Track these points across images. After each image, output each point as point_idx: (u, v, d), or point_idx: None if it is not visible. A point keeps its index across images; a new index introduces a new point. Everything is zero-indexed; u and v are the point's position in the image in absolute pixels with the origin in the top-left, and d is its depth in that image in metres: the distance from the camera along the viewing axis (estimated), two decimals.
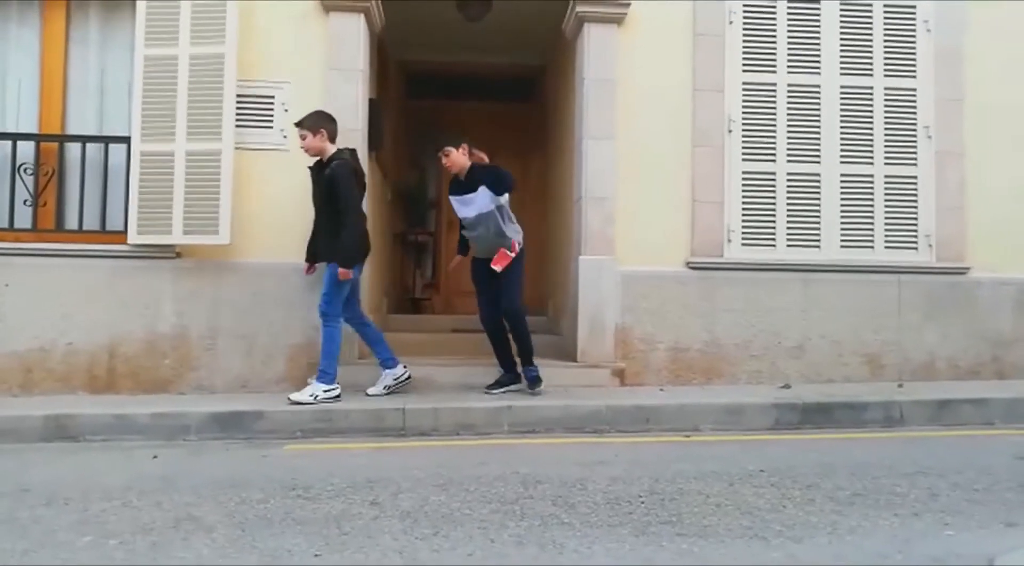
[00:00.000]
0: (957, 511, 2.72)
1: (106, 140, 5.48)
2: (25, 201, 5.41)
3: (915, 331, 5.76)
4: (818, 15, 5.78)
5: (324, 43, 5.51)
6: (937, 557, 2.29)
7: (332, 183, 4.74)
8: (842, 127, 5.77)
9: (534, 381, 4.99)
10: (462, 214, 4.98)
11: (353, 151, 5.03)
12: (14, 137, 5.43)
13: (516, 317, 4.95)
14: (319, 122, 4.86)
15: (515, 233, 4.96)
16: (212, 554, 2.35)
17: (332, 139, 4.91)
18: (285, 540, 2.46)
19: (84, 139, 5.47)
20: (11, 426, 4.32)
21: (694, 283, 5.65)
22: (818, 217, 5.75)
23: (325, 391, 4.66)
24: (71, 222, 5.45)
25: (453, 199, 5.03)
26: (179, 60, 5.25)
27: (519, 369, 5.08)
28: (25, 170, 5.41)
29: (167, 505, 2.87)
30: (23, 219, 5.40)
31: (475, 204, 4.88)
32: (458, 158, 4.98)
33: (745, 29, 5.78)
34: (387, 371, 5.00)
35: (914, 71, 5.84)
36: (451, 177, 5.13)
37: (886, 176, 5.79)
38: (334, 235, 4.74)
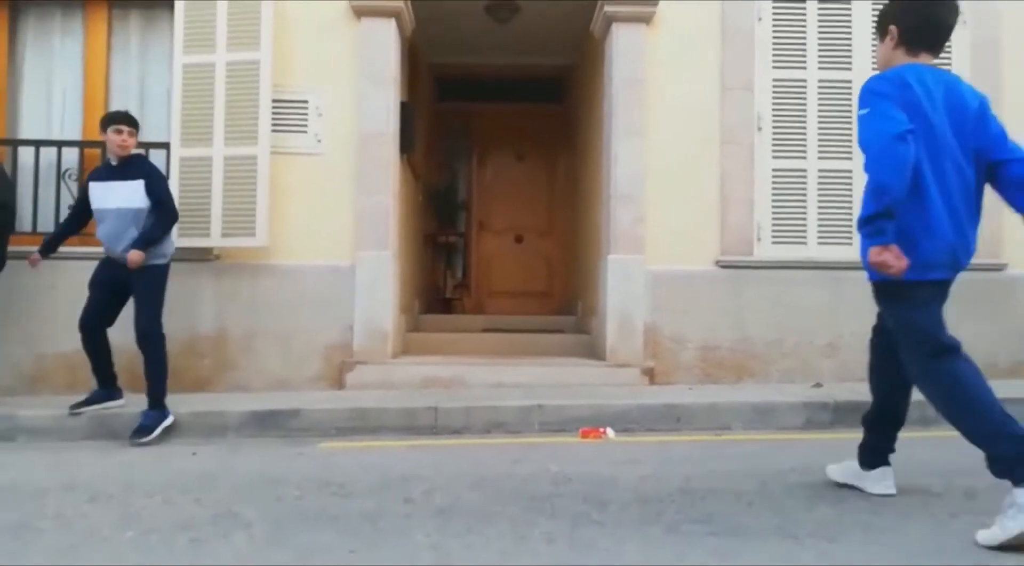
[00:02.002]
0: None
1: (146, 146, 5.60)
2: (70, 206, 5.56)
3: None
4: (849, 9, 5.72)
5: (356, 47, 5.59)
6: (975, 559, 2.26)
7: None
8: None
9: (141, 430, 4.24)
10: (104, 204, 4.48)
11: None
12: (59, 144, 5.60)
13: (154, 341, 4.45)
14: None
15: (170, 245, 4.58)
16: (250, 550, 2.41)
17: None
18: (320, 536, 2.51)
19: None
20: (57, 425, 4.46)
21: (724, 282, 5.63)
22: (850, 214, 5.68)
23: None
24: None
25: (98, 185, 4.50)
26: (216, 67, 5.37)
27: (118, 385, 4.68)
28: (69, 176, 5.58)
29: (206, 502, 2.94)
30: None
31: (123, 195, 4.46)
32: (132, 141, 4.54)
33: (775, 25, 5.73)
34: None
35: (950, 65, 5.74)
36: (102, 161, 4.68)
37: None
38: None
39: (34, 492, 3.13)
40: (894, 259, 2.46)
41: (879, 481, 2.95)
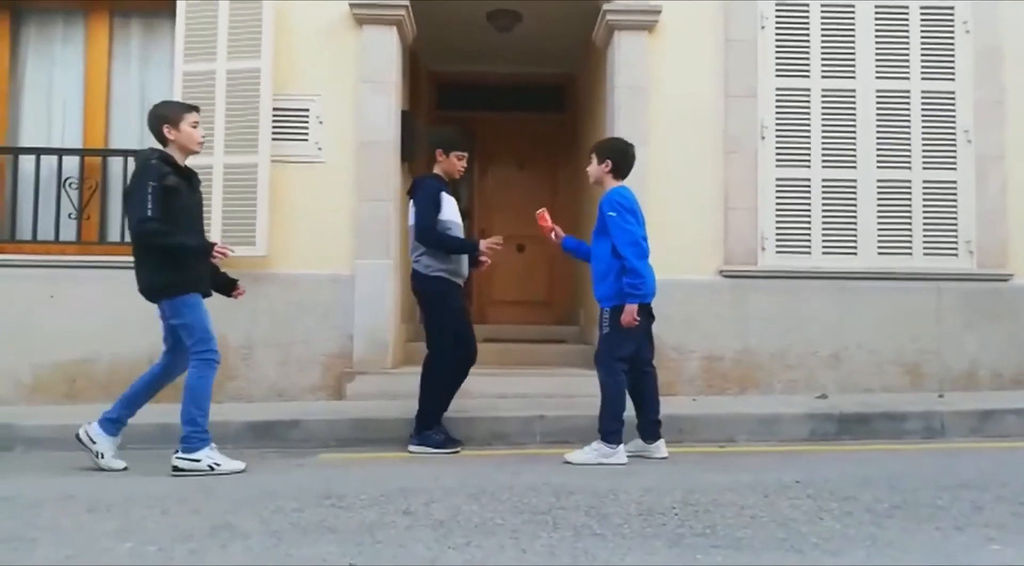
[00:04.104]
0: (1002, 525, 2.63)
1: None
2: (70, 214, 5.57)
3: (956, 340, 5.63)
4: (853, 18, 5.71)
5: (357, 55, 5.59)
6: None
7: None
8: (878, 132, 5.68)
9: (445, 442, 4.24)
10: (458, 219, 4.45)
11: None
12: (60, 152, 5.60)
13: (426, 366, 4.28)
14: None
15: (424, 267, 4.29)
16: (248, 562, 2.37)
17: None
18: (319, 548, 2.48)
19: (126, 153, 5.61)
20: (56, 435, 4.43)
21: (727, 291, 5.59)
22: (854, 223, 5.66)
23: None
24: (114, 235, 5.60)
25: (450, 199, 4.41)
26: (216, 75, 5.37)
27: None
28: (70, 184, 5.57)
29: (205, 513, 2.91)
30: (68, 232, 5.56)
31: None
32: None
33: (778, 34, 5.73)
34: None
35: (953, 74, 5.73)
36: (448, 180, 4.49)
37: (924, 181, 5.69)
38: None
39: (31, 502, 3.10)
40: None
41: (659, 449, 4.03)
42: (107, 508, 3.00)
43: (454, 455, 4.21)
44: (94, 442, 3.89)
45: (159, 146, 3.84)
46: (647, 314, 4.07)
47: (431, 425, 4.25)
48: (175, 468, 3.72)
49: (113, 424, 3.95)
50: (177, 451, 3.77)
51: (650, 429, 4.05)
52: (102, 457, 3.87)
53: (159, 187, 3.66)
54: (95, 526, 2.76)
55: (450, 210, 4.34)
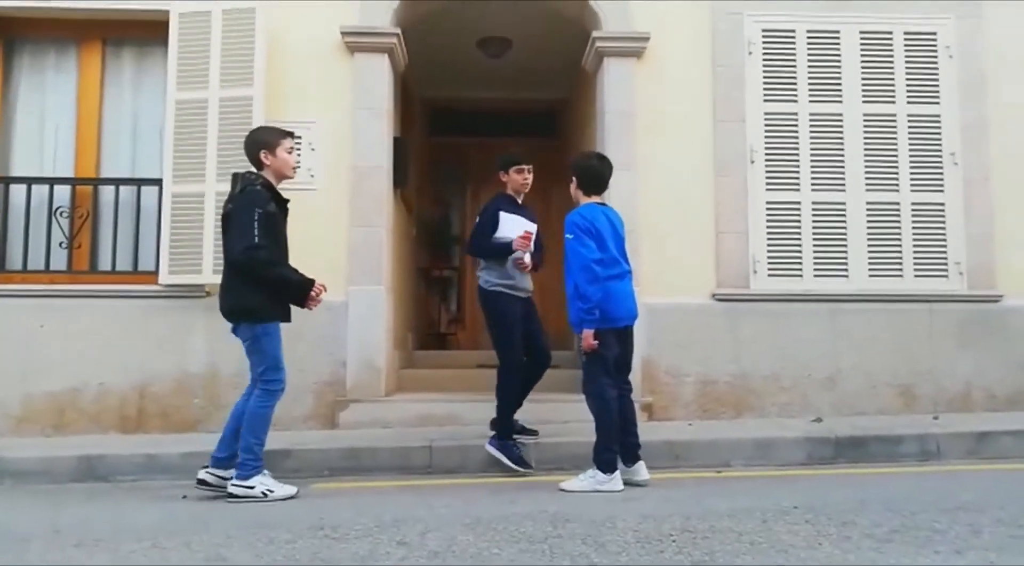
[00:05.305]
0: (1002, 548, 2.61)
1: (138, 182, 5.60)
2: (60, 243, 5.54)
3: (949, 361, 5.64)
4: (838, 43, 5.79)
5: (349, 83, 5.62)
6: None
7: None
8: (866, 155, 5.73)
9: (519, 460, 4.36)
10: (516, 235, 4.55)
11: None
12: (51, 181, 5.58)
13: (498, 377, 4.49)
14: None
15: (484, 282, 4.58)
16: None
17: None
18: None
19: (117, 182, 5.61)
20: (44, 467, 4.38)
21: (720, 315, 5.60)
22: (845, 246, 5.69)
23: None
24: (104, 263, 5.57)
25: (511, 217, 4.60)
26: (209, 103, 5.38)
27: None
28: (61, 213, 5.54)
29: (196, 546, 2.86)
30: (59, 261, 5.53)
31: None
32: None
33: (765, 59, 5.79)
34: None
35: (938, 98, 5.81)
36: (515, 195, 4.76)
37: (913, 203, 5.73)
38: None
39: (19, 537, 3.04)
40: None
41: (639, 472, 3.98)
42: (95, 542, 2.94)
43: (445, 485, 4.17)
44: (251, 487, 3.74)
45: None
46: (624, 339, 4.04)
47: (510, 435, 4.40)
48: (230, 495, 3.73)
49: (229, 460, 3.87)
50: (232, 479, 3.78)
51: (628, 452, 3.99)
52: (271, 493, 3.75)
53: (264, 214, 3.71)
54: (84, 561, 2.71)
55: (508, 227, 4.49)
